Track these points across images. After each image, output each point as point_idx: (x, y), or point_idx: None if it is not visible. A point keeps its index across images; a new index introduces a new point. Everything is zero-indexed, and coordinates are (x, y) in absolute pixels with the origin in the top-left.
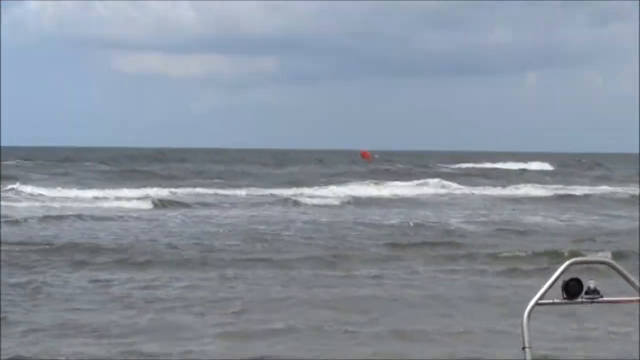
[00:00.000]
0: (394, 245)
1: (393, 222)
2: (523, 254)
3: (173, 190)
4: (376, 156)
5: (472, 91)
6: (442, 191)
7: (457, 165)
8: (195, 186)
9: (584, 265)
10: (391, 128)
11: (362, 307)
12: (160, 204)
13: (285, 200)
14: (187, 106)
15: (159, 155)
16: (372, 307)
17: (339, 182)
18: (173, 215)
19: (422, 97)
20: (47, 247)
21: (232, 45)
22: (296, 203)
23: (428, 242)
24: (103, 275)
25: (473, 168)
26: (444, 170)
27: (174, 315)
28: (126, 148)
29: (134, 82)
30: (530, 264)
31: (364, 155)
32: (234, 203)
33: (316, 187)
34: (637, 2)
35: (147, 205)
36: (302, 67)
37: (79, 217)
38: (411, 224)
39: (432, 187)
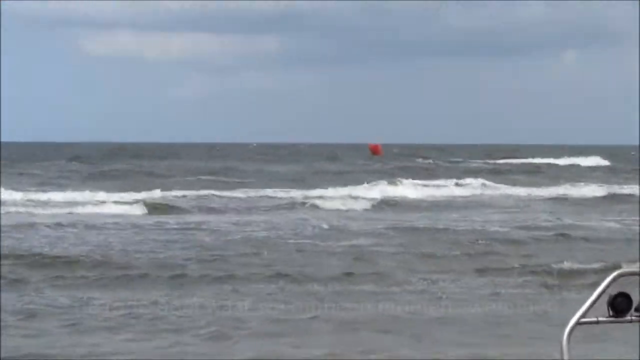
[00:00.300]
0: (433, 255)
1: (428, 227)
2: (585, 265)
3: (165, 192)
4: (395, 150)
5: (502, 74)
6: (479, 191)
7: (493, 161)
8: (188, 188)
9: (634, 278)
10: (407, 117)
11: (411, 329)
12: (154, 208)
13: (296, 204)
14: (169, 94)
15: (142, 152)
16: (422, 329)
17: (357, 182)
18: (169, 222)
19: (442, 81)
20: (27, 260)
21: (222, 22)
22: (310, 206)
23: (473, 252)
24: (96, 294)
25: (512, 164)
26: (477, 166)
27: (182, 339)
28: (99, 144)
29: (104, 65)
30: (595, 276)
31: (374, 149)
32: (238, 207)
33: (330, 188)
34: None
35: (139, 210)
36: (305, 47)
37: (59, 225)
38: (450, 230)
39: (467, 187)
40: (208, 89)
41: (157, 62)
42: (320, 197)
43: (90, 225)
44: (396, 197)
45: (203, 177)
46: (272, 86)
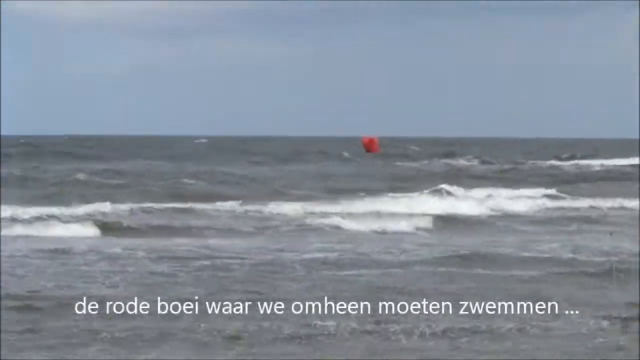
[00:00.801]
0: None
1: (500, 254)
2: None
3: (114, 205)
4: (415, 148)
5: (549, 38)
6: (541, 203)
7: (550, 162)
8: (141, 199)
9: None
10: (410, 102)
11: None
12: (107, 228)
13: (304, 222)
14: (93, 70)
15: (61, 148)
16: None
17: (371, 191)
18: (140, 248)
19: (459, 51)
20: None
21: None
22: (324, 225)
23: (556, 289)
24: None
25: (578, 166)
26: (532, 168)
27: None
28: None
29: (14, 30)
30: None
31: (368, 144)
32: (221, 227)
33: (341, 200)
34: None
35: (88, 230)
36: (280, 6)
37: None
38: (525, 260)
39: (526, 198)
40: (145, 61)
41: (79, 27)
42: (331, 214)
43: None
44: (442, 213)
45: (155, 184)
46: (236, 57)
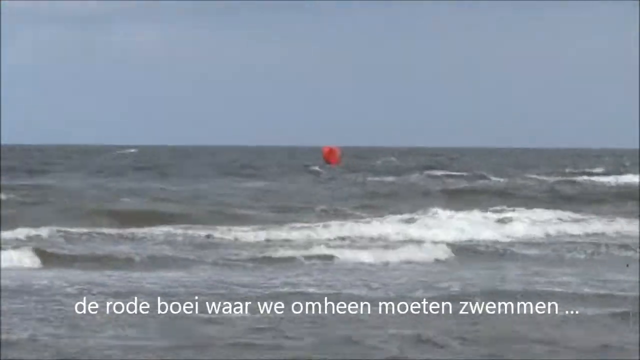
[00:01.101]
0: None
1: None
2: None
3: (36, 230)
4: (393, 159)
5: (550, 31)
6: (554, 229)
7: (557, 177)
8: (71, 220)
9: None
10: (397, 106)
11: None
12: (25, 256)
13: (252, 249)
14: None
15: None
16: None
17: (353, 210)
18: (52, 279)
19: (451, 44)
20: None
21: None
22: (279, 255)
23: None
24: None
25: (592, 182)
26: (536, 184)
27: None
28: None
29: None
30: None
31: (329, 155)
32: (158, 255)
33: (308, 223)
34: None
35: (26, 259)
36: None
37: None
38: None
39: (537, 220)
40: (51, 53)
41: None
42: (295, 240)
43: None
44: (431, 238)
45: (79, 203)
46: (171, 49)
